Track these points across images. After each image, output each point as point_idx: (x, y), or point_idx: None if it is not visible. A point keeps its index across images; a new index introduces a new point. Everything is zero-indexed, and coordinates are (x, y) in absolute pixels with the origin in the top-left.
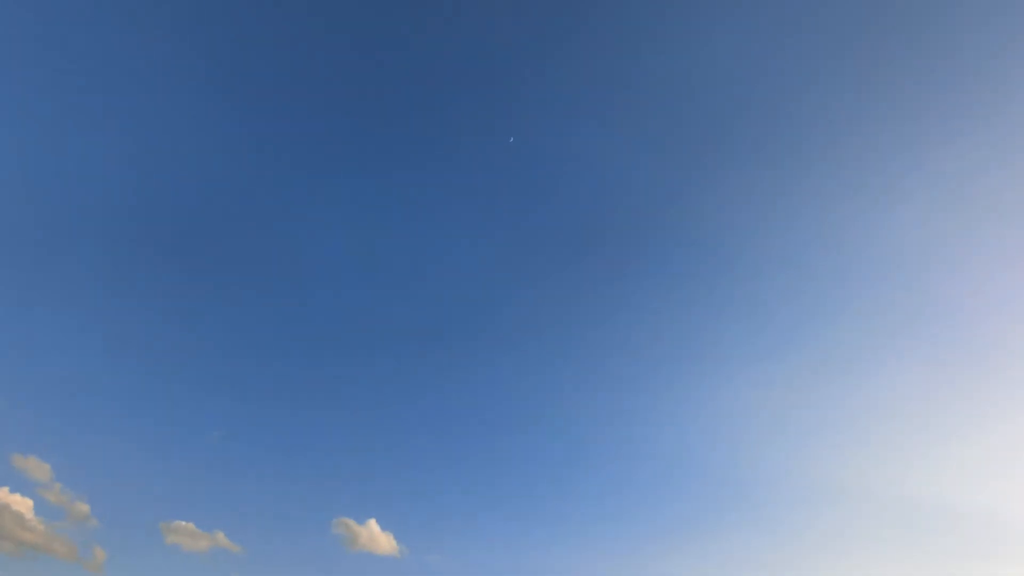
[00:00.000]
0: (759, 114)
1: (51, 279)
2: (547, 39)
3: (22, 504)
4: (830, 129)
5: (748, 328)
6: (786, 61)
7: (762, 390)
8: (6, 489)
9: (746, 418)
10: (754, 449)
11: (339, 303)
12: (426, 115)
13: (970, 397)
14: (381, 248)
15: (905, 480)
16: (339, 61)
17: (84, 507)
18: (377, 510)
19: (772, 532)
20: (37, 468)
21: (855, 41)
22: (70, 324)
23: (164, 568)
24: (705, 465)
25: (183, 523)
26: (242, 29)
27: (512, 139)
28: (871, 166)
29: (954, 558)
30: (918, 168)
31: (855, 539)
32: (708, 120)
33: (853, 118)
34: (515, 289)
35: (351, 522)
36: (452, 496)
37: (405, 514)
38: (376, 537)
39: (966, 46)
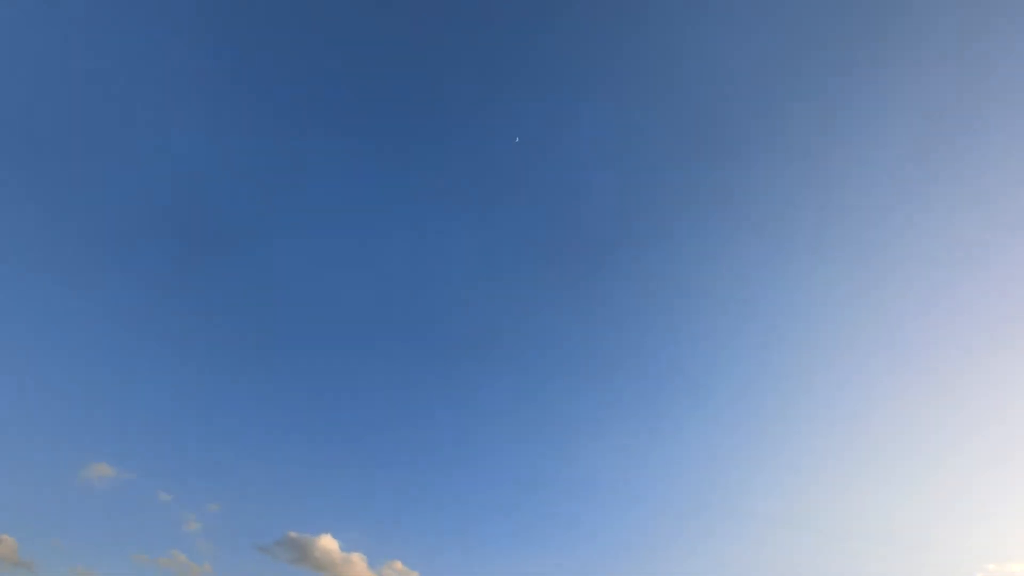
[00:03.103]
0: (755, 116)
1: None
2: (546, 38)
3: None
4: (828, 131)
5: (740, 335)
6: (784, 62)
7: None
8: None
9: (731, 442)
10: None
11: (326, 306)
12: (423, 115)
13: (907, 432)
14: (365, 252)
15: (849, 512)
16: (336, 62)
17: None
18: (335, 524)
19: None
20: None
21: (854, 40)
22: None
23: None
24: (682, 486)
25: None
26: (242, 30)
27: (517, 139)
28: (868, 172)
29: None
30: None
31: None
32: (708, 124)
33: (852, 119)
34: (496, 294)
35: (307, 536)
36: (418, 508)
37: (364, 529)
38: (333, 552)
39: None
